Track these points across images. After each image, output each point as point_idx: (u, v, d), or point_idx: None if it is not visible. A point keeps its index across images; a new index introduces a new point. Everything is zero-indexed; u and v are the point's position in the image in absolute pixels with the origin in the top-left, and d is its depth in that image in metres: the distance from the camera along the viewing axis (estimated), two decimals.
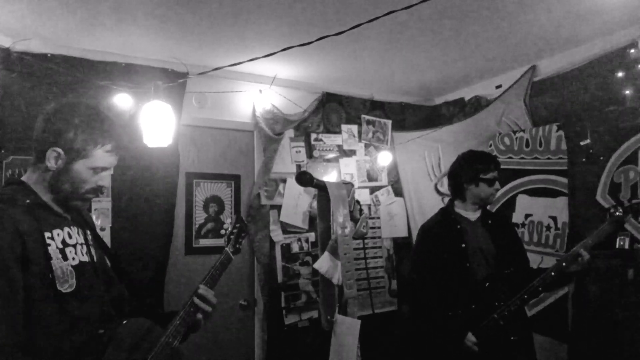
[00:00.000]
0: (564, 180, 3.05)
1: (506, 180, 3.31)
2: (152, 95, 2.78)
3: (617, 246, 2.69)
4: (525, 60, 3.33)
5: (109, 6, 2.40)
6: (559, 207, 3.06)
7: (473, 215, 2.51)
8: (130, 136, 2.67)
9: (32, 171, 1.42)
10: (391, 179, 4.07)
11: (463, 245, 2.39)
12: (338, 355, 2.18)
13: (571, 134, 3.02)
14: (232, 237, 1.88)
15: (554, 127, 3.11)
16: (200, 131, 3.34)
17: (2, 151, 2.65)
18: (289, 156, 3.61)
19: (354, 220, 2.34)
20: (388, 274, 3.95)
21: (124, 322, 1.43)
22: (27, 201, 1.35)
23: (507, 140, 3.43)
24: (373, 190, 3.98)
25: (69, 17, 2.52)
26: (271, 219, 3.46)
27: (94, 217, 2.44)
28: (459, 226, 2.46)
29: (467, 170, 2.48)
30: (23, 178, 1.43)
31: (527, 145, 3.28)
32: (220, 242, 2.06)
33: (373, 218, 3.93)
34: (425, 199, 3.94)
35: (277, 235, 3.47)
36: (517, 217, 3.31)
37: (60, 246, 1.37)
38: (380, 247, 3.94)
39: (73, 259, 1.39)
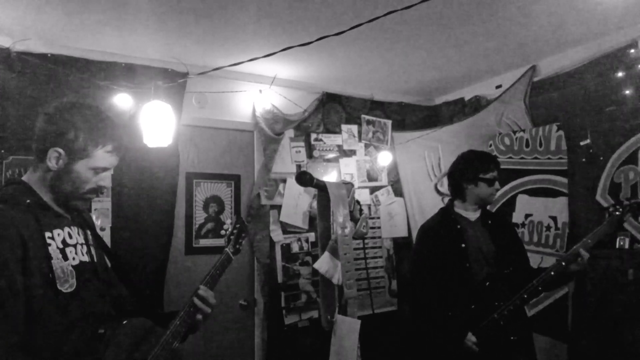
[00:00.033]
0: (564, 180, 3.05)
1: (506, 180, 3.32)
2: (152, 95, 2.78)
3: (617, 246, 2.70)
4: (525, 60, 3.33)
5: (109, 6, 2.40)
6: (559, 207, 3.06)
7: (473, 215, 2.51)
8: (131, 136, 2.67)
9: (33, 171, 1.42)
10: (391, 179, 4.08)
11: (463, 245, 2.39)
12: (338, 355, 2.18)
13: (571, 134, 3.03)
14: (232, 237, 1.88)
15: (554, 127, 3.11)
16: (200, 131, 3.34)
17: (2, 151, 2.65)
18: (289, 156, 3.61)
19: (354, 220, 2.34)
20: (388, 274, 3.95)
21: (124, 322, 1.43)
22: (28, 201, 1.35)
23: (507, 140, 3.43)
24: (373, 190, 3.98)
25: (69, 17, 2.52)
26: (271, 219, 3.46)
27: (94, 217, 2.43)
28: (458, 226, 2.45)
29: (467, 170, 2.48)
30: (23, 178, 1.43)
31: (527, 145, 3.28)
32: (220, 242, 2.07)
33: (373, 218, 3.93)
34: (425, 199, 3.94)
35: (277, 235, 3.47)
36: (517, 217, 3.31)
37: (61, 246, 1.37)
38: (380, 247, 3.94)
39: (73, 258, 1.39)
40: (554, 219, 3.09)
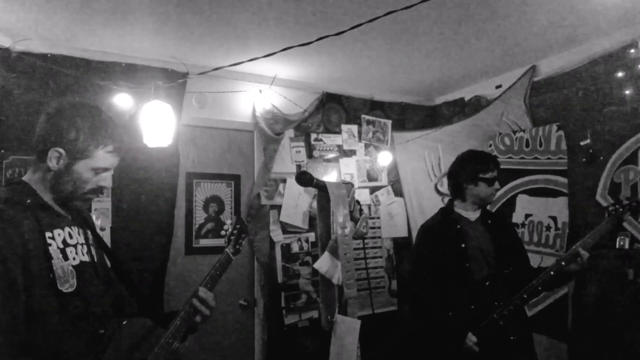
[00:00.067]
0: (564, 180, 3.05)
1: (506, 180, 3.32)
2: (152, 95, 2.78)
3: (617, 246, 2.70)
4: (525, 60, 3.33)
5: (109, 6, 2.40)
6: (559, 207, 3.06)
7: (473, 215, 2.51)
8: (131, 136, 2.67)
9: (33, 171, 1.42)
10: (391, 179, 4.08)
11: (463, 245, 2.39)
12: (338, 355, 2.18)
13: (571, 134, 3.03)
14: (232, 238, 1.88)
15: (554, 127, 3.11)
16: (200, 131, 3.34)
17: (2, 151, 2.65)
18: (289, 156, 3.61)
19: (354, 220, 2.33)
20: (388, 274, 3.95)
21: (124, 322, 1.43)
22: (28, 201, 1.35)
23: (507, 140, 3.43)
24: (373, 190, 3.98)
25: (69, 17, 2.52)
26: (271, 219, 3.47)
27: (94, 217, 2.44)
28: (458, 226, 2.45)
29: (466, 170, 2.48)
30: (24, 178, 1.43)
31: (527, 145, 3.28)
32: (220, 242, 2.07)
33: (373, 218, 3.93)
34: (425, 199, 3.94)
35: (277, 235, 3.47)
36: (517, 217, 3.31)
37: (61, 246, 1.37)
38: (380, 247, 3.94)
39: (74, 258, 1.40)
40: (554, 219, 3.09)
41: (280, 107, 3.55)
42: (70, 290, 1.34)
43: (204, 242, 3.28)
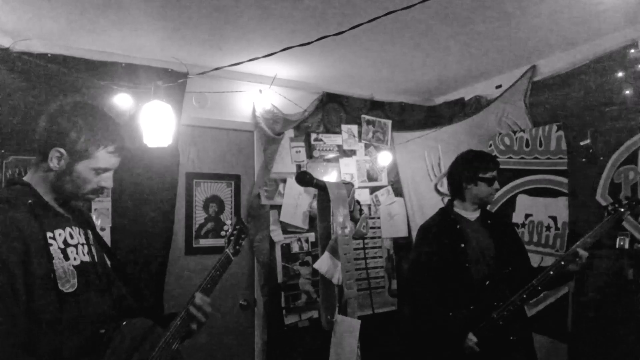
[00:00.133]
0: (564, 180, 3.05)
1: (506, 180, 3.32)
2: (152, 95, 2.78)
3: (617, 246, 2.70)
4: (525, 60, 3.33)
5: (109, 6, 2.40)
6: (559, 207, 3.06)
7: (472, 215, 2.51)
8: (131, 136, 2.67)
9: (34, 171, 1.43)
10: (391, 179, 4.08)
11: (462, 245, 2.39)
12: (338, 355, 2.18)
13: (571, 134, 3.03)
14: (232, 238, 1.89)
15: (554, 127, 3.12)
16: (200, 131, 3.34)
17: (2, 151, 2.64)
18: (289, 156, 3.61)
19: (354, 220, 2.34)
20: (388, 274, 3.95)
21: (124, 322, 1.43)
22: (29, 201, 1.35)
23: (507, 140, 3.43)
24: (373, 190, 3.98)
25: (70, 17, 2.52)
26: (271, 219, 3.46)
27: (94, 217, 2.44)
28: (458, 226, 2.46)
29: (466, 170, 2.48)
30: (25, 178, 1.43)
31: (527, 145, 3.29)
32: (220, 242, 2.07)
33: (373, 218, 3.93)
34: (425, 199, 3.94)
35: (277, 235, 3.47)
36: (517, 217, 3.31)
37: (62, 246, 1.37)
38: (380, 247, 3.94)
39: (74, 258, 1.40)
40: (554, 219, 3.09)
41: (280, 107, 3.54)
42: (71, 290, 1.34)
43: (204, 242, 3.28)
